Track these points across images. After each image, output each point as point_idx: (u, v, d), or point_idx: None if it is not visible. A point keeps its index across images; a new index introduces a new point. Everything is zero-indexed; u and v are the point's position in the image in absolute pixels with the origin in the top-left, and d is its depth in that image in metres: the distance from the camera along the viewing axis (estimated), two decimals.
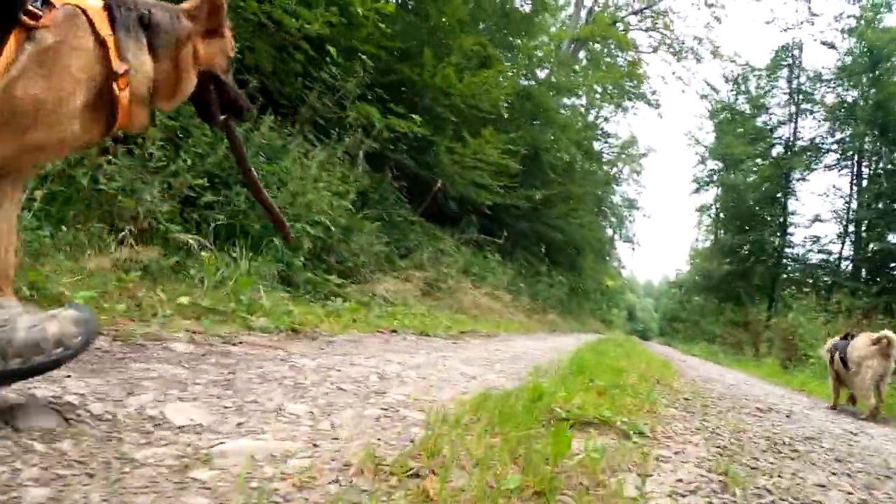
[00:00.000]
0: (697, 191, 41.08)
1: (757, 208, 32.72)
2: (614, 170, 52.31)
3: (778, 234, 32.55)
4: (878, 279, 26.04)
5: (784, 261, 32.36)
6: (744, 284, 31.72)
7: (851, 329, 7.56)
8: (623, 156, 52.41)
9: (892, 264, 26.13)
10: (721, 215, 42.26)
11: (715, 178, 39.72)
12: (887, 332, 5.57)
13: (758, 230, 32.34)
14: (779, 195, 32.12)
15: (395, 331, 6.88)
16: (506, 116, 17.89)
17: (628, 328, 66.59)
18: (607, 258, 52.59)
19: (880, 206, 27.69)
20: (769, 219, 32.85)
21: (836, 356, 6.06)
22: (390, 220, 12.46)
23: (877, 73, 26.72)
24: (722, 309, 31.57)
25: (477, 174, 16.57)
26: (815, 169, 31.42)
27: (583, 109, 36.64)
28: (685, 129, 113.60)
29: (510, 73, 18.51)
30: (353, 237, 9.47)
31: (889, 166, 26.62)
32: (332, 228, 8.30)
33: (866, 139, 29.18)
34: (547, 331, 16.10)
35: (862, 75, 28.31)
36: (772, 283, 30.39)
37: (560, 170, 27.84)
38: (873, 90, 26.90)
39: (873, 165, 29.52)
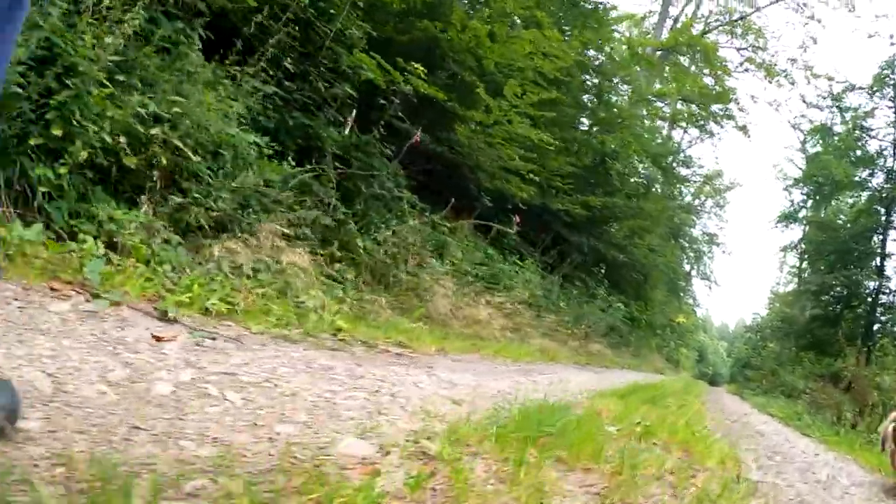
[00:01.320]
0: (784, 222, 35.50)
1: (852, 244, 26.81)
2: (697, 200, 47.78)
3: (874, 275, 26.52)
4: None
5: (879, 308, 26.30)
6: (831, 332, 26.24)
7: None
8: (707, 187, 47.66)
9: None
10: (806, 255, 36.67)
11: (804, 210, 34.16)
12: None
13: (851, 270, 26.50)
14: (878, 230, 26.19)
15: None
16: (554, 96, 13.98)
17: (697, 370, 60.74)
18: (682, 294, 47.62)
19: None
20: (864, 258, 26.92)
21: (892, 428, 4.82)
22: (360, 187, 8.83)
23: None
24: (801, 358, 26.32)
25: (505, 152, 12.73)
26: None
27: (665, 127, 32.13)
28: (773, 163, 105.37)
29: (565, 48, 14.57)
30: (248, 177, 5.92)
31: None
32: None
33: None
34: (580, 364, 11.95)
35: None
36: (865, 332, 24.71)
37: (631, 183, 23.60)
38: None
39: None
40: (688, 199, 45.15)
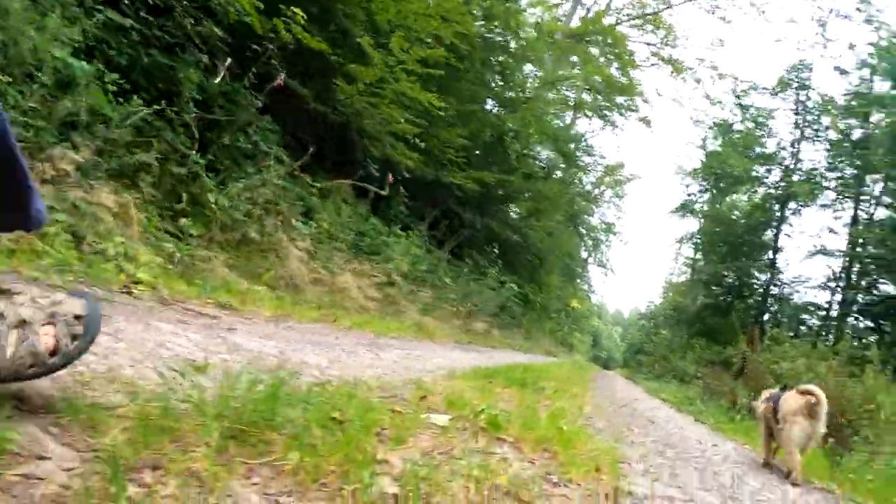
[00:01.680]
0: (681, 212, 36.41)
1: (746, 237, 27.65)
2: (597, 190, 48.62)
3: (766, 268, 27.50)
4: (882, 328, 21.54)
5: (770, 299, 27.37)
6: (721, 320, 27.02)
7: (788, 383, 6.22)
8: (607, 177, 48.55)
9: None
10: (701, 247, 37.87)
11: (700, 203, 35.15)
12: (813, 388, 4.91)
13: (744, 262, 27.37)
14: (772, 224, 27.10)
15: None
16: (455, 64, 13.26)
17: (591, 355, 62.30)
18: (578, 279, 48.48)
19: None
20: (756, 250, 27.82)
21: (769, 407, 5.27)
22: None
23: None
24: (692, 345, 27.05)
25: (390, 113, 11.93)
26: (810, 205, 26.55)
27: (569, 115, 32.12)
28: (673, 157, 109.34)
29: (465, 13, 13.82)
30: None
31: None
32: None
33: (867, 178, 24.56)
34: (461, 343, 11.30)
35: (874, 106, 23.84)
36: (755, 322, 25.55)
37: (530, 165, 23.31)
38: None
39: (873, 208, 24.92)
40: (588, 187, 45.87)
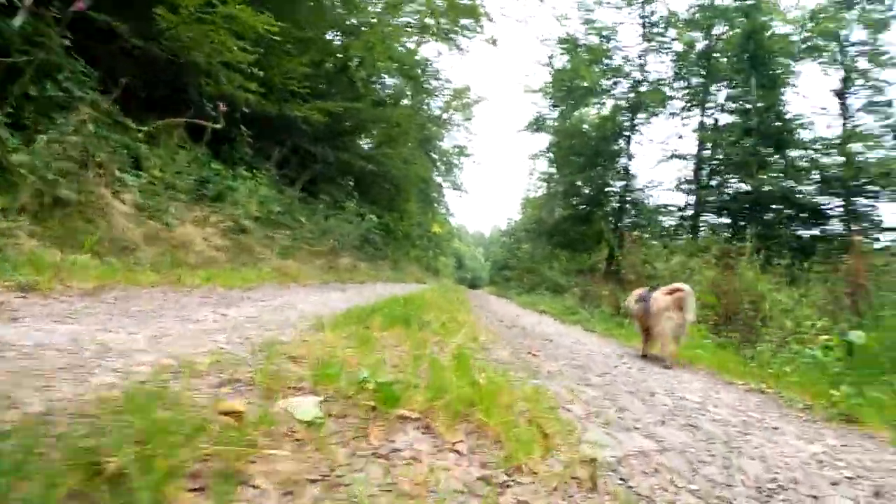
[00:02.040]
0: (532, 129, 36.85)
1: (601, 146, 28.17)
2: (445, 114, 48.39)
3: (621, 176, 28.23)
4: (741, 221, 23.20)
5: (627, 205, 28.29)
6: (582, 229, 28.08)
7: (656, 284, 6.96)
8: (455, 101, 48.30)
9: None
10: (555, 161, 38.84)
11: (551, 120, 35.71)
12: (680, 285, 5.54)
13: (598, 171, 28.24)
14: (623, 133, 28.01)
15: None
16: None
17: (457, 276, 63.56)
18: (435, 204, 48.72)
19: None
20: (610, 159, 28.72)
21: (641, 306, 5.82)
22: None
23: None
24: (556, 256, 28.04)
25: (220, 40, 10.82)
26: (659, 114, 27.58)
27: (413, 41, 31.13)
28: (521, 76, 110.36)
29: None
30: None
31: (760, 104, 23.01)
32: None
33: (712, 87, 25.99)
34: (327, 282, 10.74)
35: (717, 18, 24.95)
36: (615, 229, 26.69)
37: (378, 92, 22.53)
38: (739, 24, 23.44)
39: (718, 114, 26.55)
40: (437, 112, 45.49)
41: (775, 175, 20.83)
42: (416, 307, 6.17)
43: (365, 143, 21.93)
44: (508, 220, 69.11)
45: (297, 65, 14.45)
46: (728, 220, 24.07)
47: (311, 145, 16.87)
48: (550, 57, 36.06)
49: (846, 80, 22.53)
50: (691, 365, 5.69)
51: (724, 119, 26.00)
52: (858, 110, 23.35)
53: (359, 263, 16.17)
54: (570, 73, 28.13)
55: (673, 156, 26.29)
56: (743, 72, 22.57)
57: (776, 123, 22.06)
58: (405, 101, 28.36)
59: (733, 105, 25.36)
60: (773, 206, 21.25)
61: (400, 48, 24.86)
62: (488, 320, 8.39)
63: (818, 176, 21.21)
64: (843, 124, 22.88)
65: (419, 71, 27.90)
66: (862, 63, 22.53)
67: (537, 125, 36.73)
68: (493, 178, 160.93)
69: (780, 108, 22.60)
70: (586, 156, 28.11)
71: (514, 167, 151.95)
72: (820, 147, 21.68)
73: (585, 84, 27.88)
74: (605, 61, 27.43)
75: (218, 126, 10.88)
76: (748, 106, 24.73)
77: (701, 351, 6.33)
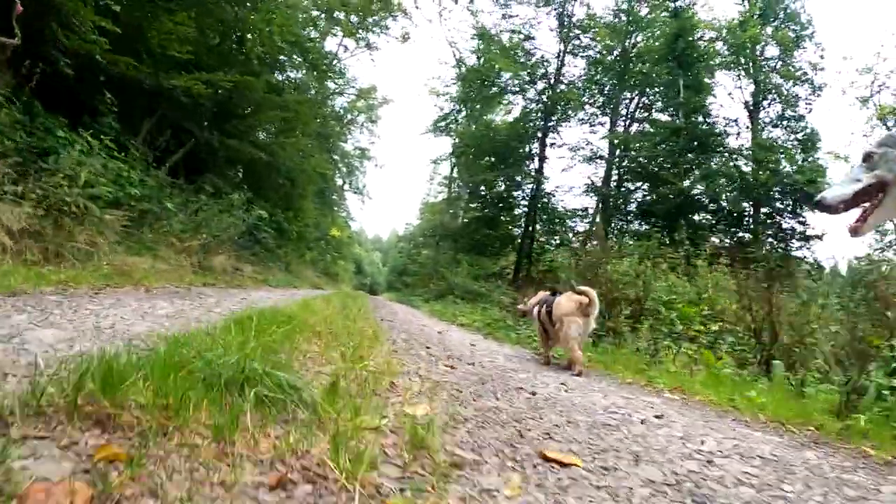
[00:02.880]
0: (435, 131, 35.00)
1: (512, 144, 26.31)
2: (349, 115, 46.00)
3: (532, 177, 26.40)
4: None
5: (537, 209, 25.97)
6: (489, 233, 26.44)
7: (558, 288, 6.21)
8: (360, 101, 46.07)
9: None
10: (456, 166, 37.26)
11: (458, 119, 33.83)
12: (586, 289, 5.32)
13: (509, 173, 26.50)
14: (538, 134, 26.33)
15: None
16: None
17: (356, 282, 60.95)
18: (335, 207, 46.01)
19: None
20: (521, 160, 27.03)
21: (543, 310, 5.70)
22: None
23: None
24: (459, 261, 26.31)
25: None
26: (571, 118, 26.21)
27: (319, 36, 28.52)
28: (427, 78, 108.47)
29: None
30: None
31: (689, 106, 21.93)
32: None
33: (626, 93, 24.98)
34: (192, 286, 8.24)
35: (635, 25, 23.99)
36: (526, 231, 25.04)
37: (275, 77, 19.95)
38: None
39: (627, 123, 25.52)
40: (340, 111, 43.05)
41: (703, 179, 19.89)
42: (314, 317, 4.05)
43: (262, 134, 19.20)
44: (407, 224, 67.32)
45: (179, 23, 11.83)
46: (643, 226, 23.23)
47: (193, 125, 14.14)
48: (458, 59, 34.61)
49: (757, 94, 22.31)
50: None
51: (637, 126, 25.42)
52: (770, 123, 23.21)
53: (242, 265, 13.60)
54: (486, 68, 26.31)
55: (591, 158, 25.23)
56: (669, 72, 21.63)
57: (703, 126, 21.26)
58: (310, 93, 25.89)
59: (650, 110, 24.81)
60: (696, 212, 20.62)
61: (304, 32, 22.39)
62: (404, 337, 6.31)
63: (736, 183, 20.59)
64: (753, 137, 22.72)
65: (324, 64, 25.47)
66: (774, 78, 22.39)
67: (442, 127, 35.00)
68: (391, 182, 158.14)
69: (707, 111, 21.95)
70: (496, 157, 26.40)
71: (413, 171, 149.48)
72: (745, 153, 21.18)
73: (498, 82, 26.33)
74: (521, 59, 25.90)
75: (14, 43, 7.88)
76: (665, 115, 24.12)
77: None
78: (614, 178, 24.70)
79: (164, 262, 8.69)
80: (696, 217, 21.38)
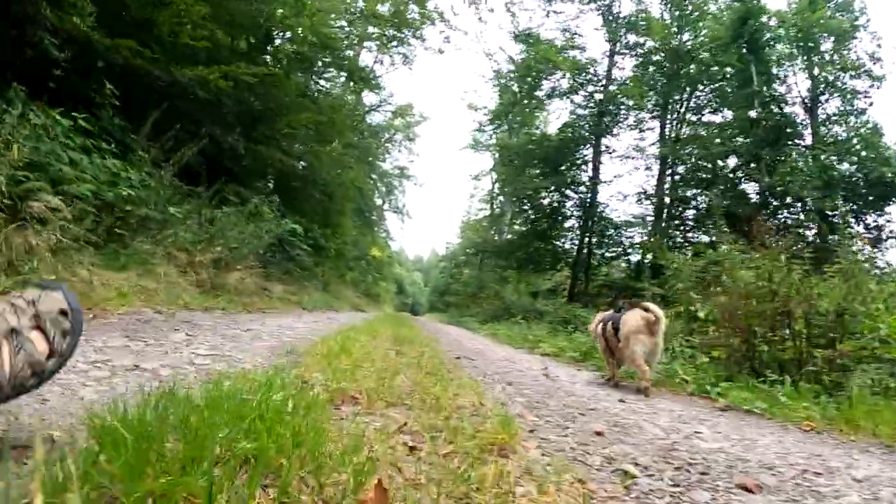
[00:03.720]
0: (481, 140, 32.83)
1: (565, 149, 23.62)
2: (387, 133, 44.63)
3: (586, 186, 23.75)
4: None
5: (592, 219, 23.43)
6: (541, 246, 23.85)
7: (624, 305, 5.56)
8: (397, 120, 44.81)
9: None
10: (504, 177, 35.02)
11: (498, 133, 31.52)
12: (651, 307, 4.89)
13: (564, 175, 23.83)
14: (591, 139, 23.68)
15: None
16: None
17: (397, 302, 58.96)
18: (375, 228, 44.22)
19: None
20: (574, 167, 24.40)
21: (609, 327, 5.26)
22: None
23: None
24: (506, 277, 23.88)
25: None
26: (623, 121, 23.57)
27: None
28: (463, 91, 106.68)
29: None
30: None
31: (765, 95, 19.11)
32: None
33: (675, 94, 22.18)
34: (209, 308, 6.13)
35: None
36: (581, 244, 22.38)
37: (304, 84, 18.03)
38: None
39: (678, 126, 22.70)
40: (378, 129, 41.59)
41: (791, 174, 16.83)
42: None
43: (294, 144, 17.19)
44: (448, 244, 65.28)
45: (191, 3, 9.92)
46: (701, 234, 20.44)
47: (214, 128, 12.16)
48: (497, 71, 32.39)
49: (814, 88, 19.48)
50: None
51: (686, 129, 22.63)
52: (829, 120, 20.36)
53: (271, 284, 11.46)
54: (534, 67, 23.86)
55: (643, 162, 22.55)
56: (739, 58, 18.81)
57: (778, 118, 18.29)
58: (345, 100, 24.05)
59: (702, 111, 22.05)
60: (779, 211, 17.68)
61: (335, 32, 20.50)
62: (538, 414, 3.80)
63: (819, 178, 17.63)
64: (814, 133, 19.97)
65: (360, 74, 23.48)
66: (831, 72, 19.50)
67: (482, 143, 32.76)
68: (430, 201, 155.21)
69: (783, 98, 19.04)
70: (545, 165, 23.71)
71: (453, 188, 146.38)
72: (829, 147, 18.19)
73: (545, 83, 23.88)
74: (570, 53, 23.39)
75: None
76: (718, 116, 21.44)
77: None
78: (667, 184, 21.92)
79: (158, 278, 6.53)
80: (777, 217, 18.43)
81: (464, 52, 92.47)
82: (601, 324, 5.49)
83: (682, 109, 22.63)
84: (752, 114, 18.29)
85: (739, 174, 18.46)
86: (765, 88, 18.66)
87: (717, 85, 21.22)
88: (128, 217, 7.75)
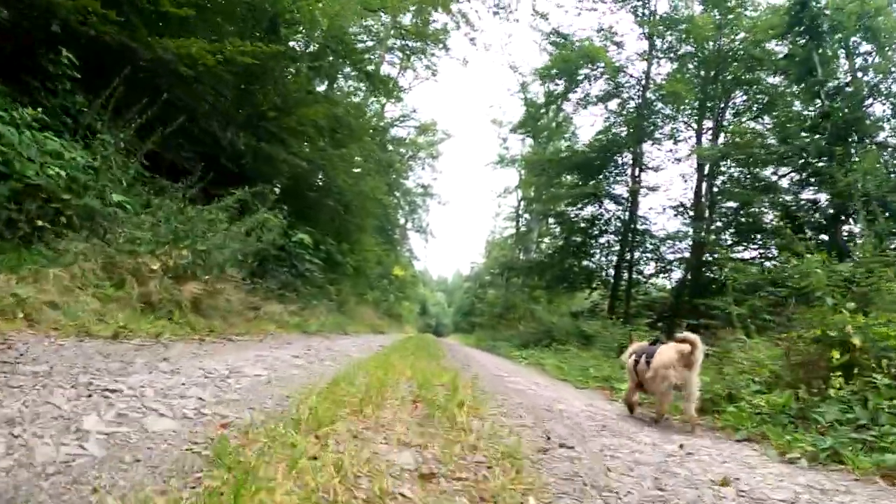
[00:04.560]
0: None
1: (603, 155, 20.98)
2: (410, 151, 43.10)
3: (624, 199, 21.06)
4: None
5: (632, 233, 20.56)
6: (574, 263, 21.32)
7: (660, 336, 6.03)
8: (420, 137, 43.41)
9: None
10: (524, 199, 32.75)
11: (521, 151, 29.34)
12: (689, 335, 4.39)
13: (600, 192, 21.26)
14: (627, 145, 21.04)
15: None
16: None
17: (421, 323, 56.85)
18: (398, 247, 42.33)
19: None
20: (613, 174, 21.91)
21: (643, 360, 4.74)
22: None
23: None
24: (536, 297, 21.61)
25: None
26: (667, 124, 21.10)
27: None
28: (489, 106, 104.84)
29: None
30: None
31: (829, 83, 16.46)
32: None
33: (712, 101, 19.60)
34: (161, 340, 4.09)
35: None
36: (621, 259, 19.83)
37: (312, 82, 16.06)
38: None
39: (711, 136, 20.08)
40: (400, 142, 40.02)
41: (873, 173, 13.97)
42: None
43: (306, 147, 15.12)
44: (473, 263, 63.01)
45: None
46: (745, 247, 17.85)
47: (209, 122, 10.20)
48: (523, 84, 30.32)
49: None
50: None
51: (723, 138, 19.99)
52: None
53: (267, 302, 9.32)
54: (575, 62, 21.37)
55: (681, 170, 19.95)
56: (802, 46, 16.17)
57: (845, 112, 15.43)
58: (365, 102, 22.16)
59: (741, 115, 19.42)
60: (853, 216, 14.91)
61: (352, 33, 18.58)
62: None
63: None
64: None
65: (380, 80, 21.52)
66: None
67: (508, 159, 30.59)
68: (454, 220, 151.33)
69: (862, 86, 16.22)
70: (581, 176, 21.14)
71: (477, 208, 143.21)
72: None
73: (582, 85, 21.40)
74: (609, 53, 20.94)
75: None
76: (762, 121, 18.79)
77: None
78: (708, 190, 19.30)
79: (71, 289, 4.42)
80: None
81: (488, 67, 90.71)
82: (633, 356, 4.97)
83: (724, 111, 20.08)
84: (817, 106, 15.76)
85: (805, 175, 15.83)
86: (833, 75, 16.07)
87: (768, 82, 18.51)
88: (64, 207, 5.72)
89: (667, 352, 4.54)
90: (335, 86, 19.91)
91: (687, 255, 19.28)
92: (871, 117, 15.93)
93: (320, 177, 14.91)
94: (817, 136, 14.67)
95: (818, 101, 15.57)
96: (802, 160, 15.76)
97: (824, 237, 14.48)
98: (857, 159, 14.51)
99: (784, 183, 17.08)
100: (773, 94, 17.61)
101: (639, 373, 4.80)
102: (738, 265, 11.97)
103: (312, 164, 13.73)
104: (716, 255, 18.32)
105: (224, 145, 11.20)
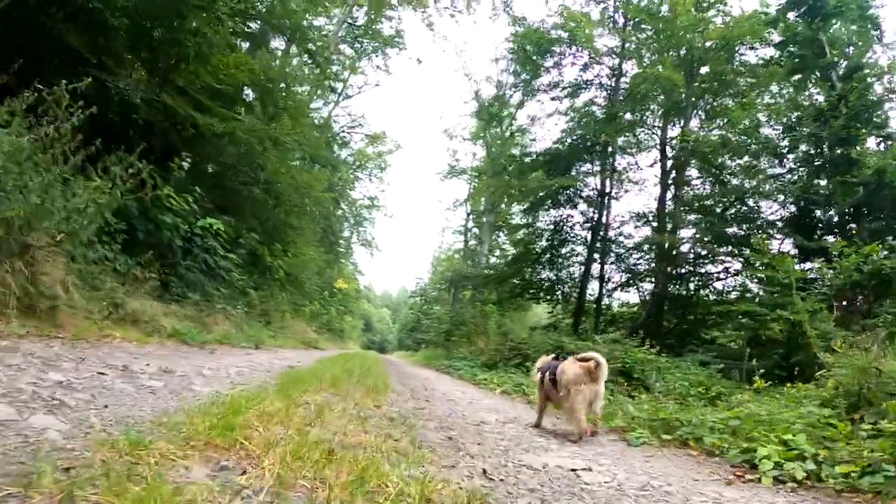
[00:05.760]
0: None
1: (566, 163, 18.62)
2: (358, 161, 40.82)
3: (592, 203, 18.55)
4: None
5: (600, 242, 18.22)
6: (533, 273, 19.05)
7: (562, 352, 5.92)
8: (369, 148, 41.31)
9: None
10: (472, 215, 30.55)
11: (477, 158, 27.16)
12: (594, 355, 4.44)
13: (566, 197, 18.95)
14: (597, 148, 18.53)
15: None
16: None
17: (364, 339, 53.86)
18: (343, 260, 39.53)
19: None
20: (582, 180, 19.38)
21: (547, 377, 4.74)
22: None
23: None
24: (486, 313, 19.18)
25: None
26: (641, 121, 18.97)
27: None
28: (439, 115, 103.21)
29: None
30: None
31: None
32: None
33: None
34: None
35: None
36: (587, 270, 17.42)
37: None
38: None
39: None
40: (349, 154, 37.69)
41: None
42: None
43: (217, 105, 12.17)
44: (418, 279, 60.52)
45: None
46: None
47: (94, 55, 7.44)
48: (477, 92, 28.29)
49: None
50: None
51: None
52: None
53: (139, 298, 6.56)
54: (544, 43, 18.85)
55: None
56: (808, 25, 14.42)
57: (860, 96, 13.74)
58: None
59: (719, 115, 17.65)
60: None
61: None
62: None
63: None
64: None
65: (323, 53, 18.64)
66: None
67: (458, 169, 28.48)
68: (400, 235, 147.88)
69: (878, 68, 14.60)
70: (547, 174, 18.57)
71: (422, 223, 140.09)
72: None
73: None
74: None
75: None
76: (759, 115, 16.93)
77: None
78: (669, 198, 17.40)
79: None
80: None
81: (441, 77, 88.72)
82: (539, 372, 4.92)
83: (694, 114, 18.27)
84: (820, 98, 14.08)
85: (819, 164, 14.02)
86: (850, 56, 14.37)
87: (761, 70, 16.63)
88: None
89: (570, 367, 4.48)
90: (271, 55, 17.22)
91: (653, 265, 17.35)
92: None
93: (243, 156, 12.00)
94: (834, 119, 12.78)
95: (829, 84, 13.83)
96: (814, 150, 14.04)
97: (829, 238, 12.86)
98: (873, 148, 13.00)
99: (789, 176, 15.34)
100: (763, 76, 15.66)
101: (546, 390, 4.77)
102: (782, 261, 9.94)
103: (233, 138, 10.95)
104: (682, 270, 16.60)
105: (113, 96, 8.40)
